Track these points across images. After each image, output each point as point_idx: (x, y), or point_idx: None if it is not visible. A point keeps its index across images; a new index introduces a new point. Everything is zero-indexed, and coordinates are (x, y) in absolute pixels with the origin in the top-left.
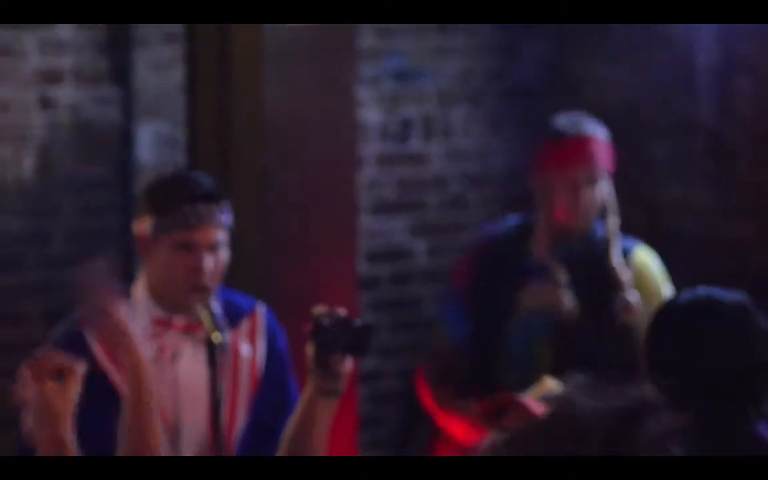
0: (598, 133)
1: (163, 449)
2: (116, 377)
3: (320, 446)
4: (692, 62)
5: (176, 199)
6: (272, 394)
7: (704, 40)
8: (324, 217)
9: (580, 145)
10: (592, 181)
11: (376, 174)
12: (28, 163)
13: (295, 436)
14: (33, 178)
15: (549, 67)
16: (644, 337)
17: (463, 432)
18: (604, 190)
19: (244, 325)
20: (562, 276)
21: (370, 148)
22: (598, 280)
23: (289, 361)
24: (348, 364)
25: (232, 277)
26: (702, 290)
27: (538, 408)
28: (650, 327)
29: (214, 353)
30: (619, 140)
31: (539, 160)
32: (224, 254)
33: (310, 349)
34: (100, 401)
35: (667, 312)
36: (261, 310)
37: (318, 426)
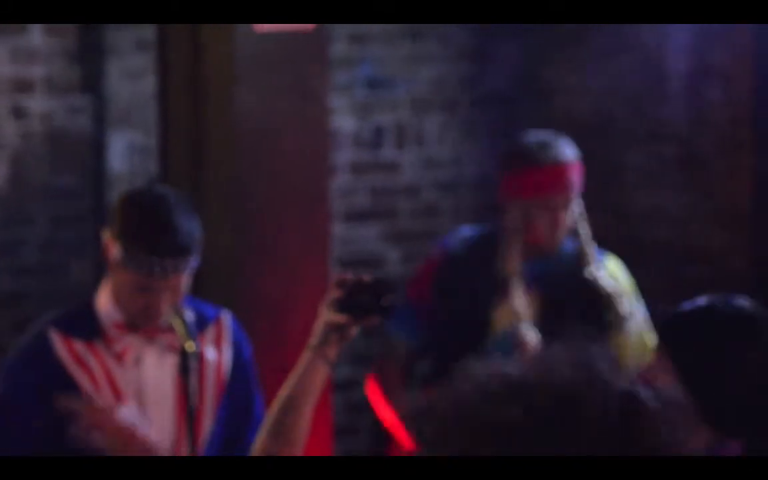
0: (572, 156)
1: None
2: (81, 378)
3: (309, 418)
4: (664, 69)
5: (146, 248)
6: (238, 400)
7: (676, 48)
8: (297, 225)
9: (558, 172)
10: (567, 204)
11: (348, 182)
12: (0, 173)
13: (289, 405)
14: (5, 188)
15: (521, 74)
16: (664, 351)
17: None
18: (576, 209)
19: (210, 331)
20: (535, 292)
21: (343, 156)
22: (574, 293)
23: (254, 370)
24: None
25: (206, 284)
26: (718, 300)
27: None
28: (677, 340)
29: (187, 362)
30: (590, 148)
31: (513, 183)
32: (183, 290)
33: (326, 313)
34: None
35: (695, 322)
36: (226, 317)
37: (313, 395)
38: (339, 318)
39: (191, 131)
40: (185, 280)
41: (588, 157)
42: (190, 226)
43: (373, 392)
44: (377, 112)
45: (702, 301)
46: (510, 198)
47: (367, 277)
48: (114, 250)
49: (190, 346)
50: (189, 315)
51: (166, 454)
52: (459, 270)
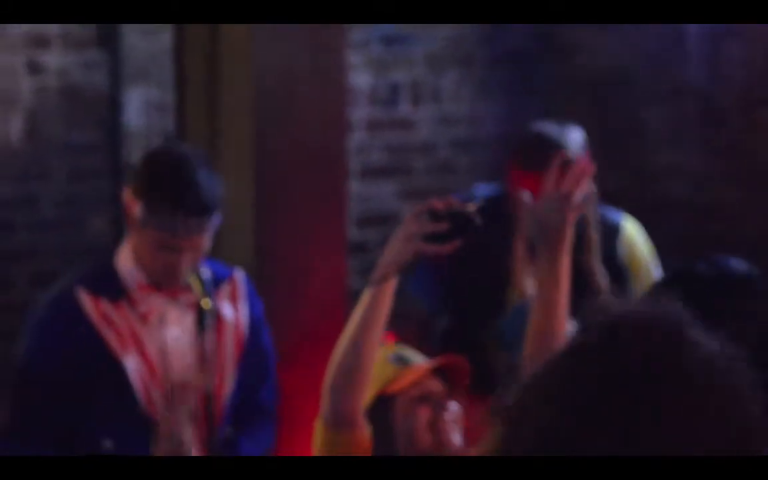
0: (578, 149)
1: (159, 410)
2: (110, 337)
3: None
4: (683, 27)
5: (170, 206)
6: (253, 358)
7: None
8: (314, 182)
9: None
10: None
11: (364, 139)
12: (16, 128)
13: (360, 341)
14: (21, 143)
15: (539, 32)
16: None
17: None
18: (585, 192)
19: (225, 289)
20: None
21: (359, 113)
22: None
23: (266, 327)
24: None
25: (223, 243)
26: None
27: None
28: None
29: (204, 319)
30: (610, 106)
31: (520, 179)
32: (205, 248)
33: (406, 244)
34: (95, 361)
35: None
36: (240, 275)
37: (382, 325)
38: (425, 247)
39: (207, 88)
40: (207, 240)
41: (607, 115)
42: (213, 185)
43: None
44: (393, 69)
45: (688, 263)
46: (517, 188)
47: (449, 204)
48: (136, 209)
49: (206, 303)
50: (206, 273)
51: (188, 412)
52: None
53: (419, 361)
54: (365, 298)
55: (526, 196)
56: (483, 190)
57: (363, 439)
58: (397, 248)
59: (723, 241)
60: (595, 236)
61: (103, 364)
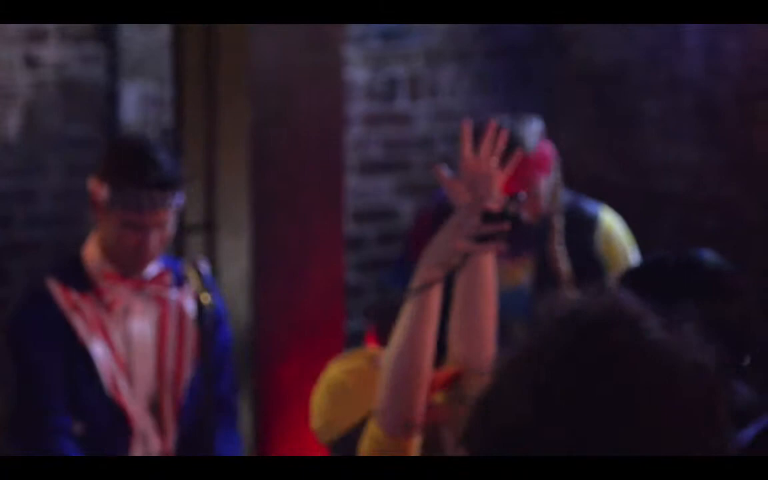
0: (535, 141)
1: (125, 397)
2: (78, 325)
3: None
4: None
5: (132, 181)
6: (214, 351)
7: None
8: (311, 176)
9: (521, 167)
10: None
11: (362, 133)
12: (13, 122)
13: (413, 343)
14: (18, 137)
15: (537, 26)
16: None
17: None
18: (551, 182)
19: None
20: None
21: (357, 107)
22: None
23: (228, 322)
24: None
25: (220, 237)
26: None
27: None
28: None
29: (203, 313)
30: (607, 98)
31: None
32: (170, 229)
33: (453, 243)
34: (63, 346)
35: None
36: (204, 268)
37: (435, 324)
38: (477, 248)
39: (205, 81)
40: (171, 218)
41: (605, 108)
42: (174, 164)
43: (372, 345)
44: (391, 64)
45: (657, 254)
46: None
47: (497, 204)
48: (102, 192)
49: (205, 297)
50: (204, 267)
51: (149, 402)
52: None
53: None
54: (412, 305)
55: (444, 170)
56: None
57: (415, 444)
58: (444, 249)
59: (719, 234)
60: (557, 223)
61: (72, 350)
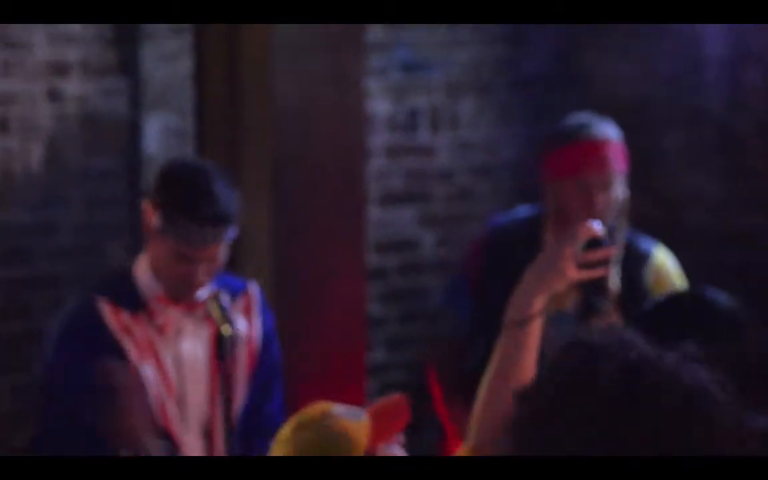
0: (611, 133)
1: (174, 423)
2: (129, 347)
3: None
4: (701, 54)
5: (186, 215)
6: (265, 372)
7: (713, 32)
8: (333, 208)
9: (593, 149)
10: (606, 184)
11: (383, 165)
12: (36, 155)
13: (515, 369)
14: (41, 170)
15: (558, 58)
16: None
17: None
18: (618, 191)
19: (239, 302)
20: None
21: (378, 139)
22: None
23: (277, 341)
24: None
25: (242, 268)
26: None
27: None
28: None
29: (223, 345)
30: (629, 132)
31: (551, 164)
32: (221, 261)
33: (564, 272)
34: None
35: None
36: (254, 288)
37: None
38: (580, 275)
39: (227, 114)
40: (223, 251)
41: (626, 141)
42: (230, 197)
43: (432, 386)
44: (412, 96)
45: (673, 292)
46: (547, 180)
47: (599, 230)
48: (154, 219)
49: (226, 329)
50: (225, 299)
51: (201, 426)
52: (507, 246)
53: (353, 411)
54: (509, 339)
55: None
56: (524, 211)
57: None
58: (545, 280)
59: (742, 267)
60: (614, 249)
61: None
